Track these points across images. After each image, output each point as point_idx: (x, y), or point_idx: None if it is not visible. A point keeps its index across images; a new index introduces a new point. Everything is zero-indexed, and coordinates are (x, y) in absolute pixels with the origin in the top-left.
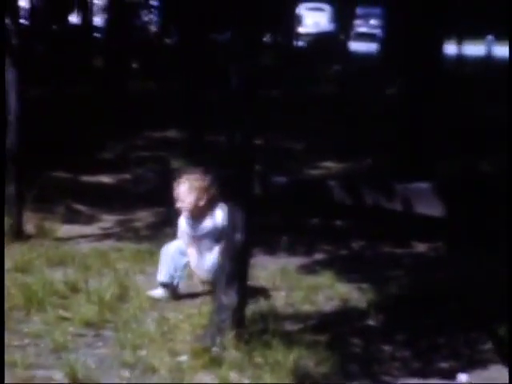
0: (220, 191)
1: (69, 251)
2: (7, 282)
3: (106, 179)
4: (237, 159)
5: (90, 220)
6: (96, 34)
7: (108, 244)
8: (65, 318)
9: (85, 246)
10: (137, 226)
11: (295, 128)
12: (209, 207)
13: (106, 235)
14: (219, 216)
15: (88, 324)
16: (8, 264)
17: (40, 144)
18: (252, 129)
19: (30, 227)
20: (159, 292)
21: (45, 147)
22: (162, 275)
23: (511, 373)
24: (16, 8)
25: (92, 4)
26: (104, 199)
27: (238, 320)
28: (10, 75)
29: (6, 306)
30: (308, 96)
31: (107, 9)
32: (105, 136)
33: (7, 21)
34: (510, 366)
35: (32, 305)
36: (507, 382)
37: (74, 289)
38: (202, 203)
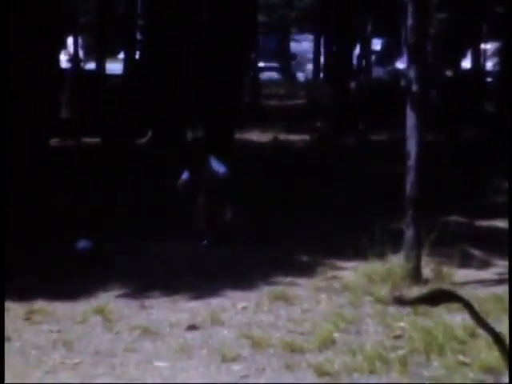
0: None
1: (466, 296)
2: (406, 325)
3: (500, 224)
4: None
5: (485, 265)
6: (488, 79)
7: (504, 289)
8: (464, 364)
9: (481, 291)
10: None
11: None
12: None
13: (501, 280)
14: None
15: (488, 370)
16: (403, 308)
17: (436, 188)
18: None
19: (427, 271)
20: None
21: (440, 192)
22: None
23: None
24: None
25: (485, 49)
26: (499, 244)
27: None
28: (411, 120)
29: (407, 349)
30: None
31: (499, 53)
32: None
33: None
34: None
35: (432, 349)
36: None
37: (473, 334)
38: None
